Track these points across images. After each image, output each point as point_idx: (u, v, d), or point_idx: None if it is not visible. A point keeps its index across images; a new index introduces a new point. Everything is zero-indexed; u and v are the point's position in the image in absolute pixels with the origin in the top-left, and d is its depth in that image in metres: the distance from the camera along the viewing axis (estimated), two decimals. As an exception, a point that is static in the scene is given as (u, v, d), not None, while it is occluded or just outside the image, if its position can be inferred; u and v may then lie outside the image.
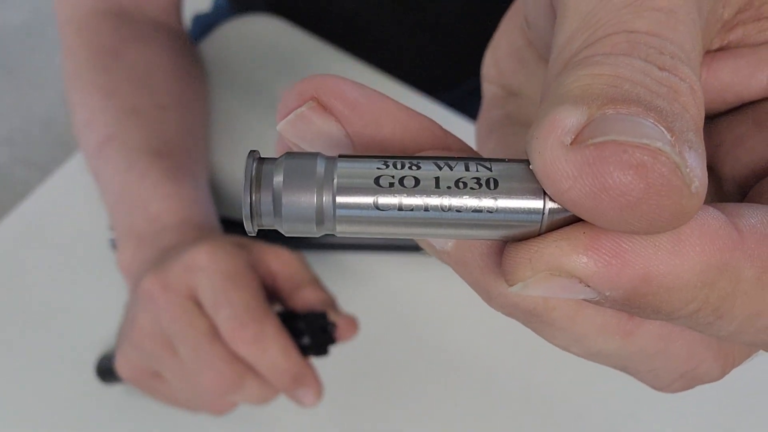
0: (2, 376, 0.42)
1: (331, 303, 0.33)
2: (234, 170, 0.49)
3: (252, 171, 0.11)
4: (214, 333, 0.30)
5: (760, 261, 0.11)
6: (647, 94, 0.11)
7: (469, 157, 0.11)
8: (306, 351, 0.31)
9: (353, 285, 0.45)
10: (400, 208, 0.10)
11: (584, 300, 0.12)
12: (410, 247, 0.44)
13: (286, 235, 0.11)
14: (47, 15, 1.56)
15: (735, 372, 0.44)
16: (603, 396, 0.41)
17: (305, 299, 0.32)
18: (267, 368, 0.30)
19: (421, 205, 0.10)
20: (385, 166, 0.10)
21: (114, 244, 0.40)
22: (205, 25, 0.67)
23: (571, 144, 0.10)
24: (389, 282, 0.45)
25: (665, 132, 0.10)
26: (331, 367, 0.42)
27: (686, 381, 0.14)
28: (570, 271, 0.11)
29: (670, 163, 0.10)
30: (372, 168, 0.10)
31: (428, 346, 0.43)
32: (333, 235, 0.11)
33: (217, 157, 0.49)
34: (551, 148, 0.10)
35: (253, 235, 0.12)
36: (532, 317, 0.13)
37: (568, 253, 0.11)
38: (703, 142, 0.11)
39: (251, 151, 0.12)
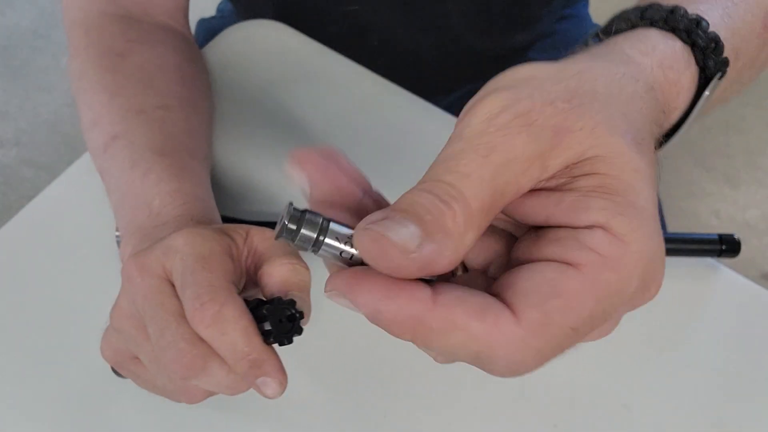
0: (10, 375, 0.43)
1: (304, 286, 0.32)
2: (235, 171, 0.50)
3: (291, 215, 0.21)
4: (182, 314, 0.30)
5: (443, 321, 0.19)
6: (422, 210, 0.19)
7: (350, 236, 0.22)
8: (267, 336, 0.30)
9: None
10: (339, 250, 0.22)
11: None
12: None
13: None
14: (54, 17, 1.57)
15: (730, 362, 0.44)
16: (599, 390, 0.42)
17: (280, 274, 0.32)
18: (226, 350, 0.29)
19: (340, 249, 0.21)
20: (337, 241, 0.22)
21: (120, 243, 0.41)
22: (210, 29, 0.68)
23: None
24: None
25: (414, 227, 0.19)
26: (328, 365, 0.42)
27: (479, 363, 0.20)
28: (340, 294, 0.20)
29: (390, 243, 0.19)
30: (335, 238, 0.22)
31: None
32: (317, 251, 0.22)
33: (220, 159, 0.50)
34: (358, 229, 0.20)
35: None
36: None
37: (337, 285, 0.20)
38: (455, 241, 0.19)
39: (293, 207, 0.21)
